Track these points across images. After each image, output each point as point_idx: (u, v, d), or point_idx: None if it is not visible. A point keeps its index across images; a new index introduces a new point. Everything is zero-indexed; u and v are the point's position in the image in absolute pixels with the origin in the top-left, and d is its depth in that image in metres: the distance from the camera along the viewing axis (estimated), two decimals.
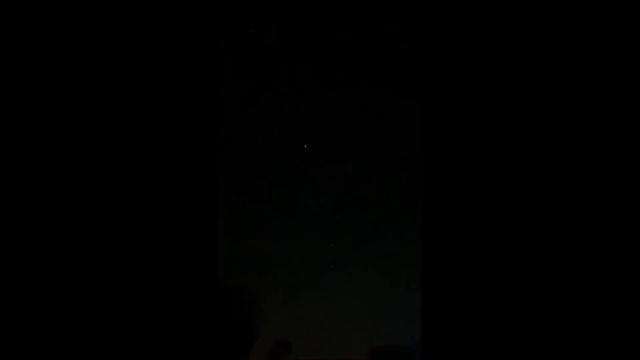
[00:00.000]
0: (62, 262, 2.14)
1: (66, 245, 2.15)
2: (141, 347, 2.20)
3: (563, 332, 2.10)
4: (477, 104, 2.29)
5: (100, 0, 2.26)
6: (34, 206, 2.13)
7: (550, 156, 2.19)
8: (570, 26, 2.24)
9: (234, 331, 3.69)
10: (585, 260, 2.11)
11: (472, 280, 2.22)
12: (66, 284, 2.14)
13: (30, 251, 2.12)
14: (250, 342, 3.70)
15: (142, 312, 2.20)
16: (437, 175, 2.34)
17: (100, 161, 2.21)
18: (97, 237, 2.17)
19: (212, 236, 2.40)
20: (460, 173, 2.29)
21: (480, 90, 2.31)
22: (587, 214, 2.12)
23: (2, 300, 2.08)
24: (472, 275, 2.22)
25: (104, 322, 2.16)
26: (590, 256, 2.11)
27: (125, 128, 2.24)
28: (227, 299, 3.74)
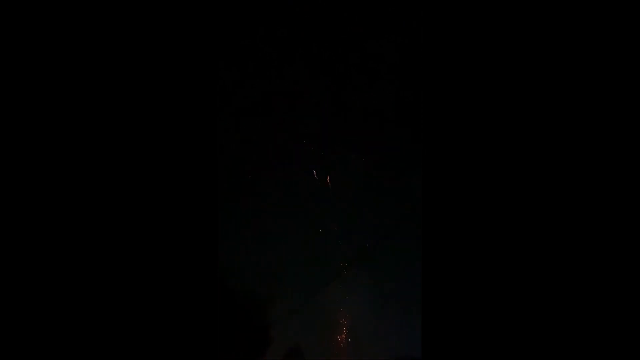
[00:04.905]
0: (64, 263, 2.16)
1: (69, 246, 2.16)
2: (141, 348, 2.20)
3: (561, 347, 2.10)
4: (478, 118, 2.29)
5: (107, 11, 2.28)
6: (36, 207, 2.15)
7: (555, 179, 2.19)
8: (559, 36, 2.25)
9: (247, 337, 3.70)
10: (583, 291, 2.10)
11: (471, 296, 2.23)
12: (68, 284, 2.15)
13: (31, 252, 2.13)
14: (263, 348, 3.71)
15: (142, 314, 2.20)
16: (437, 190, 2.34)
17: (105, 165, 2.22)
18: (100, 240, 2.18)
19: (213, 241, 2.40)
20: (460, 184, 2.29)
21: (480, 100, 2.31)
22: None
23: (2, 299, 2.09)
24: (471, 291, 2.23)
25: (106, 324, 2.16)
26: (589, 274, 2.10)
27: (128, 132, 2.26)
28: (240, 307, 3.75)
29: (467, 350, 2.19)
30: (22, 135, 2.20)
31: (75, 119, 2.24)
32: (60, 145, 2.21)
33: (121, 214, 2.24)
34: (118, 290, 2.21)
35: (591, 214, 2.11)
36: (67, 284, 2.20)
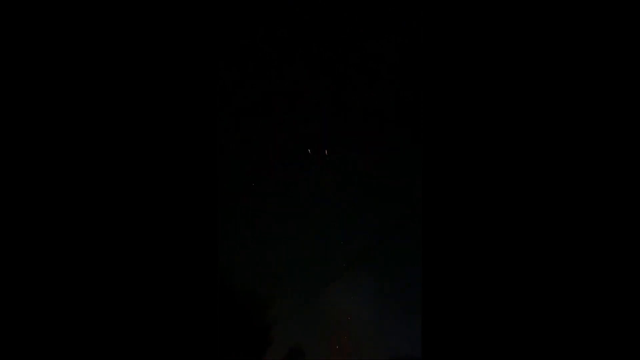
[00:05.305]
0: (64, 262, 2.16)
1: (69, 246, 2.17)
2: (141, 348, 2.21)
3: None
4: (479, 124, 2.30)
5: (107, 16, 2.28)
6: (36, 207, 2.16)
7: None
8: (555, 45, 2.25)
9: (247, 337, 3.70)
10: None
11: (471, 299, 2.23)
12: (68, 283, 2.16)
13: (31, 251, 2.14)
14: (263, 348, 3.70)
15: (142, 314, 2.21)
16: (437, 190, 2.35)
17: (105, 165, 2.23)
18: (100, 239, 2.20)
19: (213, 241, 2.41)
20: (459, 187, 2.29)
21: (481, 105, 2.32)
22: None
23: (3, 299, 2.10)
24: (471, 295, 2.23)
25: (106, 324, 2.17)
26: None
27: (128, 132, 2.27)
28: (240, 307, 3.75)
29: (467, 350, 2.19)
30: (22, 135, 2.20)
31: (74, 119, 2.25)
32: (60, 145, 2.21)
33: (121, 214, 2.25)
34: (118, 290, 2.22)
35: (591, 214, 2.11)
36: (67, 283, 2.21)
